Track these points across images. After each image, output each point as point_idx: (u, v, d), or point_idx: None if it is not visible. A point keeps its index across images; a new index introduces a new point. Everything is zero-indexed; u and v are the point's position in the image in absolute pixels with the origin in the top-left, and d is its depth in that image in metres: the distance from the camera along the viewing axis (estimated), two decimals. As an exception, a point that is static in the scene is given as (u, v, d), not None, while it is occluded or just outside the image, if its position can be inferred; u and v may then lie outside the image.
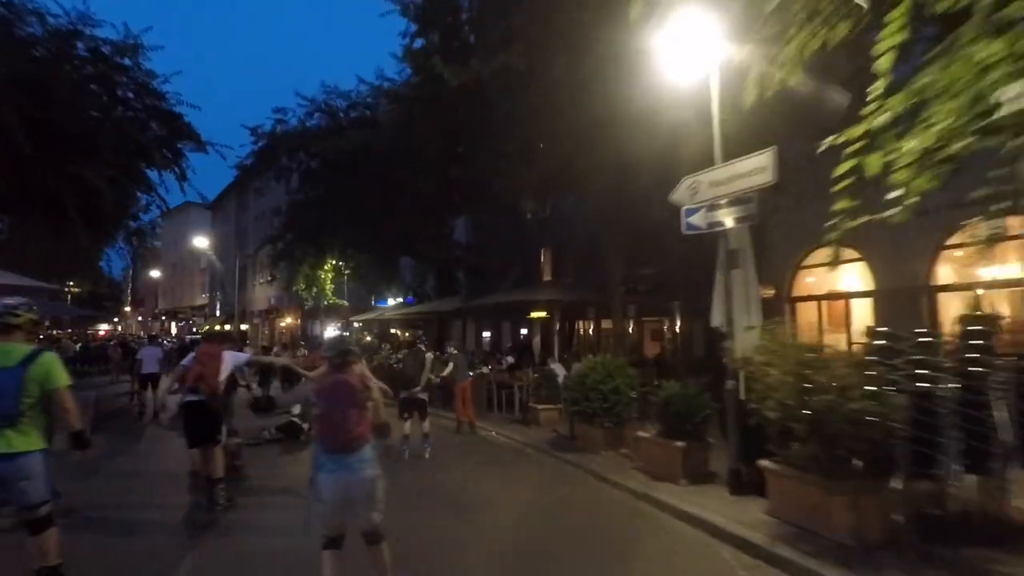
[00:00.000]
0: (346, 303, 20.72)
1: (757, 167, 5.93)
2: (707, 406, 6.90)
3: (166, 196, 16.02)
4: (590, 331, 22.43)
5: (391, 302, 24.95)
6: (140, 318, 78.23)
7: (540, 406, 10.84)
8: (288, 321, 35.65)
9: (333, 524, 3.64)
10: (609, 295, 13.34)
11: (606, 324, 22.07)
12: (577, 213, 22.01)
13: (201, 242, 36.55)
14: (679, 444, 6.71)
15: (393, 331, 33.13)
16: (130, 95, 14.57)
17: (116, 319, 76.34)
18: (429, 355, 9.55)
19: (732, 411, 6.25)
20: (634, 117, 8.69)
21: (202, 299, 58.92)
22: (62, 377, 3.61)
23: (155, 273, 65.54)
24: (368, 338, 30.48)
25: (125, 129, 13.60)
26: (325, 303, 21.94)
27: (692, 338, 18.26)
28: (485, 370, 14.40)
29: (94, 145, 12.18)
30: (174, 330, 60.61)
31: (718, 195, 6.49)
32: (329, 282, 21.16)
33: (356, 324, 32.69)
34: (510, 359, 15.50)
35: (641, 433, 7.46)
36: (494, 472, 8.23)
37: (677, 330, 18.51)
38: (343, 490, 3.60)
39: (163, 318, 68.03)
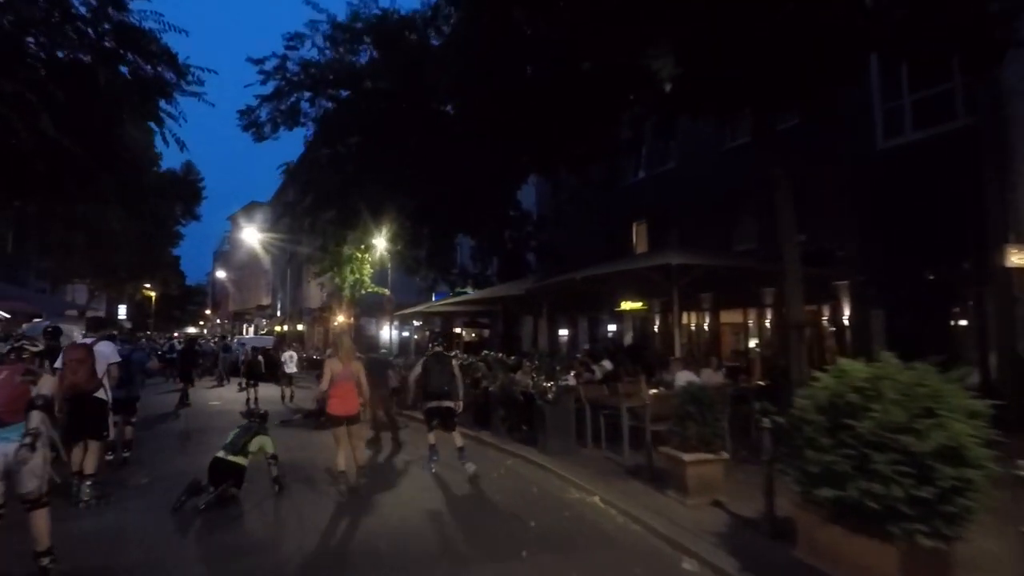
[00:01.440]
0: (387, 291, 16.35)
1: None
2: None
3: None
4: (704, 326, 16.88)
5: (451, 296, 20.34)
6: (219, 320, 79.16)
7: (688, 456, 5.66)
8: (340, 319, 31.97)
9: None
10: (783, 264, 7.97)
11: (728, 317, 16.49)
12: (695, 164, 16.54)
13: (250, 235, 33.83)
14: None
15: (457, 330, 28.64)
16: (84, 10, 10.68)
17: (202, 322, 77.54)
18: (455, 360, 8.10)
19: None
20: None
21: (266, 300, 57.41)
22: None
23: (221, 274, 65.00)
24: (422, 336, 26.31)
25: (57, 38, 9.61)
26: (363, 291, 17.66)
27: (869, 333, 12.46)
28: (570, 381, 9.35)
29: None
30: (250, 331, 59.28)
31: None
32: (366, 266, 16.85)
33: (416, 322, 28.41)
34: (606, 364, 10.39)
35: None
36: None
37: (846, 322, 12.72)
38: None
39: (229, 320, 67.68)
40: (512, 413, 9.80)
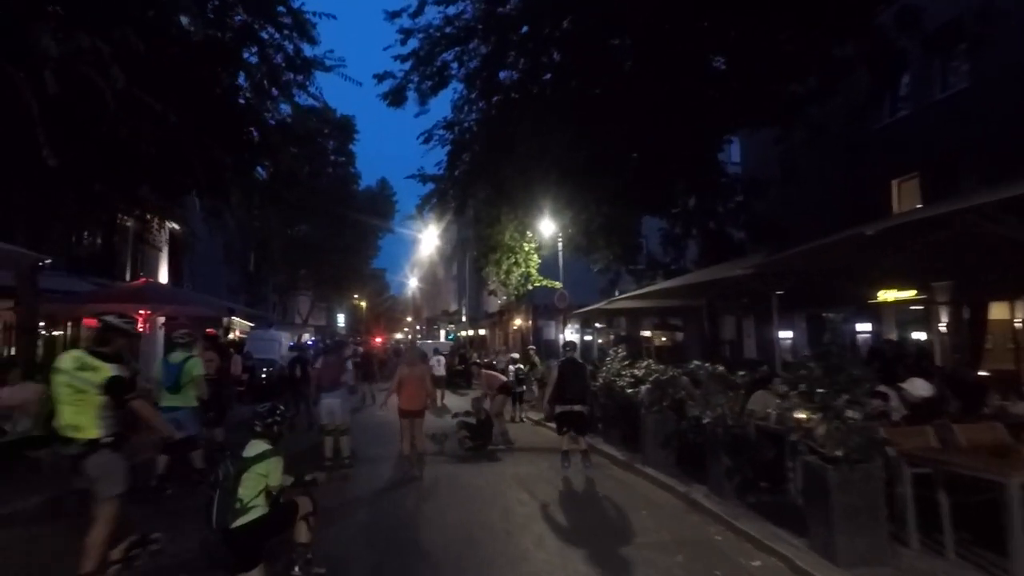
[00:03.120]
0: (559, 284, 13.45)
1: None
2: None
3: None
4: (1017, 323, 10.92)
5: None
6: (417, 326, 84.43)
7: None
8: (518, 323, 30.11)
9: None
10: None
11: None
12: (1004, 78, 10.66)
13: (430, 240, 33.80)
14: None
15: (646, 332, 24.94)
16: None
17: (406, 328, 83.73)
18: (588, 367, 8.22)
19: None
20: None
21: (453, 306, 58.82)
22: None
23: (413, 282, 68.53)
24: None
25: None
26: (531, 287, 14.93)
27: None
28: (851, 415, 5.21)
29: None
30: (443, 336, 61.56)
31: None
32: (533, 256, 14.10)
33: (597, 324, 25.39)
34: (918, 386, 6.05)
35: None
36: None
37: None
38: None
39: (424, 327, 71.13)
40: (743, 463, 6.08)
